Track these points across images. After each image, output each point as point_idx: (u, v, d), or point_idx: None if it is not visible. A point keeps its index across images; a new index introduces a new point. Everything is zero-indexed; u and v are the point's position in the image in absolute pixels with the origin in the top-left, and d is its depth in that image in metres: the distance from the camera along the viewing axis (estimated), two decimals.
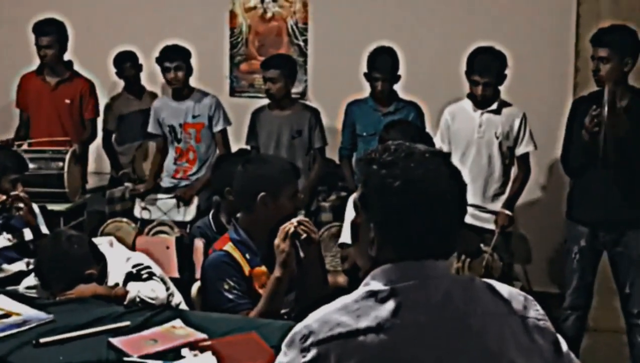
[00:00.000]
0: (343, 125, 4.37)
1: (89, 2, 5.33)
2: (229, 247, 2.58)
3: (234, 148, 4.66)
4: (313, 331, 1.32)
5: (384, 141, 2.94)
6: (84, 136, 4.65)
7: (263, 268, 2.56)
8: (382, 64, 4.09)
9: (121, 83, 4.96)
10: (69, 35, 4.57)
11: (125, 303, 2.53)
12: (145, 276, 2.66)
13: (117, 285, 2.65)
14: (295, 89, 4.65)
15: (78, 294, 2.56)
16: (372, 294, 1.34)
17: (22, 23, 4.92)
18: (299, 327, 1.36)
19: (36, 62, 4.68)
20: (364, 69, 4.20)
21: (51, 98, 4.59)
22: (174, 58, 4.28)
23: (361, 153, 4.24)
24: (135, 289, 2.56)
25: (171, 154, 4.46)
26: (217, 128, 4.41)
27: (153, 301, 2.54)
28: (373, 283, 1.36)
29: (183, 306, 2.85)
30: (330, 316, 1.33)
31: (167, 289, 2.87)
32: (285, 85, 4.25)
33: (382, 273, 1.37)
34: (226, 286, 2.51)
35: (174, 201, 4.31)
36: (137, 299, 2.54)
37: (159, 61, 4.35)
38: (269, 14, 5.09)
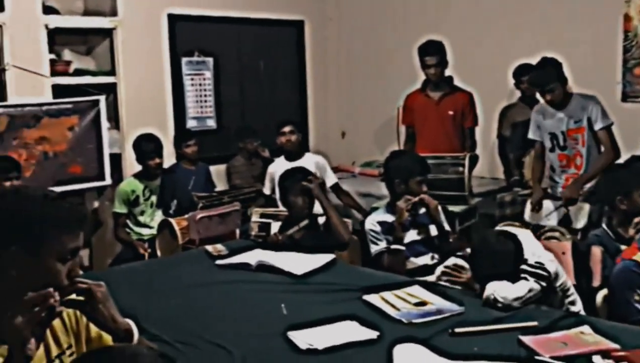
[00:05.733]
0: None
1: (470, 25, 5.45)
2: (639, 257, 2.37)
3: (626, 155, 4.31)
4: None
5: None
6: (466, 144, 4.73)
7: None
8: None
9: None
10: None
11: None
12: (529, 274, 2.58)
13: None
14: None
15: None
16: None
17: (405, 46, 5.23)
18: None
19: (418, 80, 4.90)
20: None
21: (436, 111, 4.74)
22: (550, 76, 4.02)
23: None
24: (492, 288, 2.52)
25: (555, 162, 4.25)
26: (598, 126, 4.01)
27: (501, 303, 2.47)
28: None
29: (582, 313, 2.71)
30: None
31: (568, 296, 2.76)
32: None
33: None
34: (637, 297, 2.32)
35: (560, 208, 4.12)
36: (491, 297, 2.50)
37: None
38: None
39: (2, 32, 4.48)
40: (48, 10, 4.78)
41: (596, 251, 3.07)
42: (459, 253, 3.00)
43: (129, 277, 3.11)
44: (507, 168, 4.90)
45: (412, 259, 3.38)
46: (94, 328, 1.67)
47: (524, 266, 2.62)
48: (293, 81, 6.33)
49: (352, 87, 6.40)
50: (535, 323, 2.31)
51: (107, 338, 1.65)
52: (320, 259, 3.14)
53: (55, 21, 4.75)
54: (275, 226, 3.78)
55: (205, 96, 5.63)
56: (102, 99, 4.79)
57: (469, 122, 4.76)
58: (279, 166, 4.72)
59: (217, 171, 5.39)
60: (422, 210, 3.45)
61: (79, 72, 4.93)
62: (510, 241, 2.64)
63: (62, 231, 1.52)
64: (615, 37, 4.74)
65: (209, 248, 3.41)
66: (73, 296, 1.56)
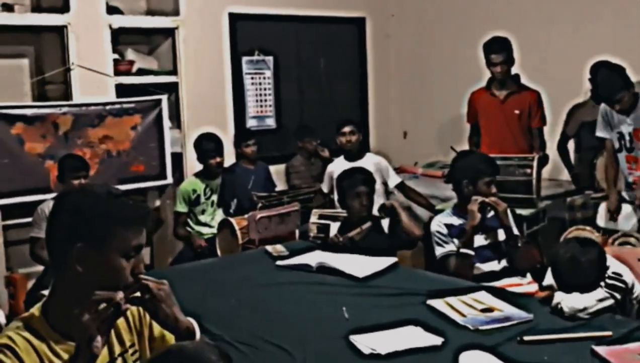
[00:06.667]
0: None
1: (538, 21, 5.33)
2: None
3: None
4: None
5: None
6: (534, 145, 4.62)
7: None
8: None
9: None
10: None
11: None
12: (606, 286, 2.50)
13: None
14: None
15: None
16: None
17: (470, 43, 5.14)
18: None
19: (483, 78, 4.81)
20: None
21: (501, 110, 4.66)
22: (617, 86, 3.84)
23: None
24: (560, 297, 2.46)
25: (623, 163, 4.12)
26: None
27: (567, 313, 2.41)
28: None
29: None
30: None
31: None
32: None
33: None
34: None
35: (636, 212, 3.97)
36: (559, 306, 2.44)
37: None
38: None
39: (68, 32, 4.62)
40: (112, 10, 4.91)
41: None
42: None
43: (190, 276, 3.16)
44: (568, 164, 4.85)
45: (478, 265, 3.30)
46: (156, 327, 1.70)
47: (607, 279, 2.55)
48: (354, 79, 6.32)
49: (414, 85, 6.34)
50: (609, 333, 2.24)
51: (170, 337, 1.67)
52: (382, 262, 3.12)
53: (118, 21, 4.87)
54: (334, 227, 3.77)
55: (265, 95, 5.68)
56: (164, 98, 4.89)
57: (536, 122, 4.65)
58: (339, 165, 4.72)
59: (277, 170, 5.42)
60: (491, 213, 3.36)
61: (141, 72, 5.04)
62: (594, 249, 2.56)
63: (126, 228, 1.55)
64: None
65: (269, 248, 3.43)
66: (137, 294, 1.59)
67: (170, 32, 5.15)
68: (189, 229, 4.59)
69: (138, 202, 1.66)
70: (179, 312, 1.62)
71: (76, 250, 1.52)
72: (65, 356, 1.51)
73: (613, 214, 4.02)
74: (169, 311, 1.60)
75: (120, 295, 1.50)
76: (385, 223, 3.69)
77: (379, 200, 4.52)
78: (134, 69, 5.03)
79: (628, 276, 2.63)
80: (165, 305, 1.59)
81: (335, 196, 4.23)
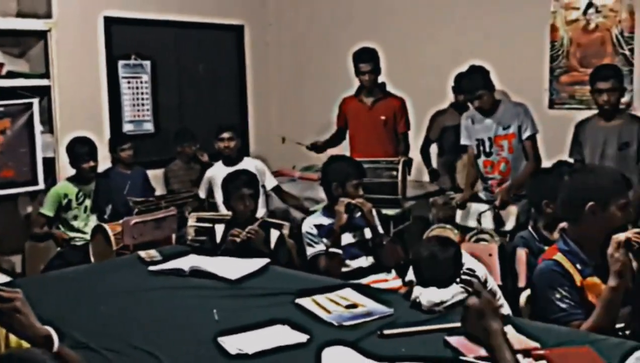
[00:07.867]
0: None
1: (404, 33, 5.54)
2: (558, 257, 2.46)
3: (552, 161, 4.44)
4: None
5: None
6: (400, 149, 4.81)
7: (596, 279, 2.38)
8: None
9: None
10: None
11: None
12: (461, 281, 2.64)
13: None
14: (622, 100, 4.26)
15: None
16: None
17: (342, 52, 5.29)
18: None
19: (353, 86, 4.97)
20: None
21: (369, 116, 4.82)
22: (478, 83, 4.13)
23: None
24: (418, 291, 2.57)
25: (481, 168, 4.37)
26: (526, 135, 4.15)
27: (425, 306, 2.51)
28: None
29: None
30: None
31: (496, 300, 2.82)
32: (621, 95, 3.93)
33: None
34: (558, 295, 2.39)
35: (491, 211, 4.22)
36: (417, 300, 2.55)
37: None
38: (592, 25, 4.77)
39: None
40: None
41: (521, 253, 3.16)
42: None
43: (60, 284, 3.03)
44: (428, 165, 5.13)
45: (348, 261, 3.41)
46: (13, 338, 1.64)
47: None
48: (233, 85, 6.30)
49: (292, 92, 6.42)
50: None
51: (27, 347, 1.62)
52: (254, 263, 3.13)
53: None
54: (219, 229, 3.73)
55: (143, 99, 5.55)
56: (35, 102, 4.66)
57: (401, 127, 4.84)
58: (217, 170, 4.70)
59: (155, 175, 5.31)
60: (358, 213, 3.48)
61: (11, 75, 4.78)
62: (451, 248, 2.69)
63: None
64: (543, 46, 4.90)
65: (142, 253, 3.35)
66: None
67: (42, 35, 4.92)
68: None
69: None
70: (35, 321, 1.59)
71: None
72: None
73: (460, 205, 4.33)
74: (24, 320, 1.56)
75: None
76: (274, 235, 3.67)
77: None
78: (3, 71, 4.76)
79: (481, 272, 2.78)
80: (19, 314, 1.55)
81: (220, 199, 4.19)
